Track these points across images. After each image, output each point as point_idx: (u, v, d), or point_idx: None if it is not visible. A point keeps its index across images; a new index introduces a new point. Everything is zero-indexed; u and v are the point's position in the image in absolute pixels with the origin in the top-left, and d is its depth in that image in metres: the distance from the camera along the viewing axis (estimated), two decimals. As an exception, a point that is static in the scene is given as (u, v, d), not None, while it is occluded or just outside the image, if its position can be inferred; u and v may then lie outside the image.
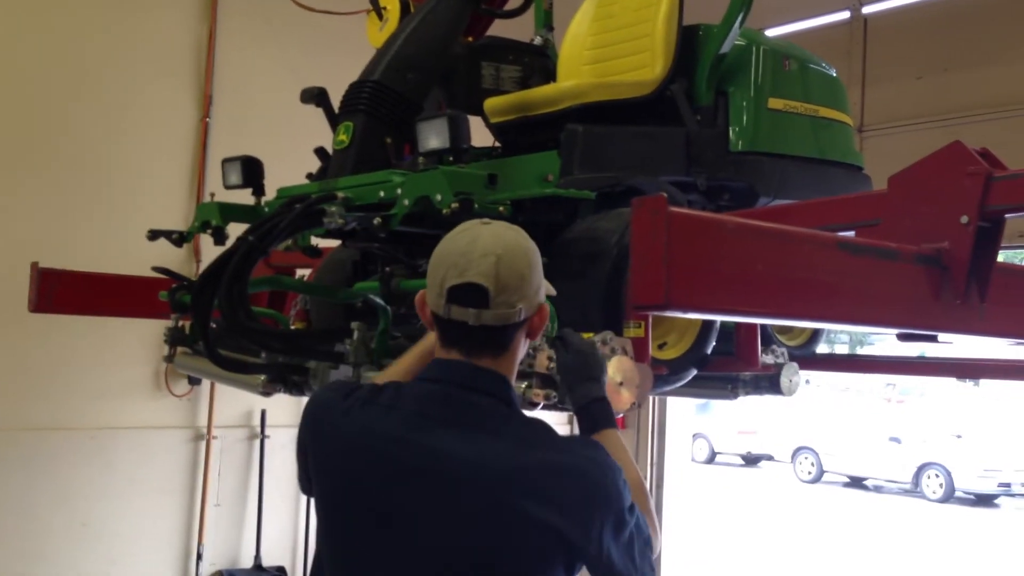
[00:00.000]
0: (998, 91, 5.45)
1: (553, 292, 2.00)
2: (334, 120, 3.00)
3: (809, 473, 18.03)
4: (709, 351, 2.81)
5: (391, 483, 1.68)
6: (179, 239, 3.19)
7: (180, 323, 3.26)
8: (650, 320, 2.33)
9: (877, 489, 17.22)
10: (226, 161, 3.17)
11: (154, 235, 3.20)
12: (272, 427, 5.83)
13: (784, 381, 3.17)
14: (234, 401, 5.68)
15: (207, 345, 2.68)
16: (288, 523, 5.98)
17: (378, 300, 2.49)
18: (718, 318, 2.64)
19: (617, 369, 2.09)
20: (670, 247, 1.61)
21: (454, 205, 2.31)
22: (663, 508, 7.14)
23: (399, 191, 2.50)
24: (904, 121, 5.68)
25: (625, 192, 2.74)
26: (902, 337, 2.15)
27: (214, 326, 2.73)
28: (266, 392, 2.89)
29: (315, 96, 3.09)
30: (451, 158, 2.54)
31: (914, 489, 16.38)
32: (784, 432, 18.64)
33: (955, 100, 5.58)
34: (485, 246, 1.70)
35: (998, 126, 5.32)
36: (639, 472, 1.90)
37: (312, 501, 1.91)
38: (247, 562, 5.79)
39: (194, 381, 5.44)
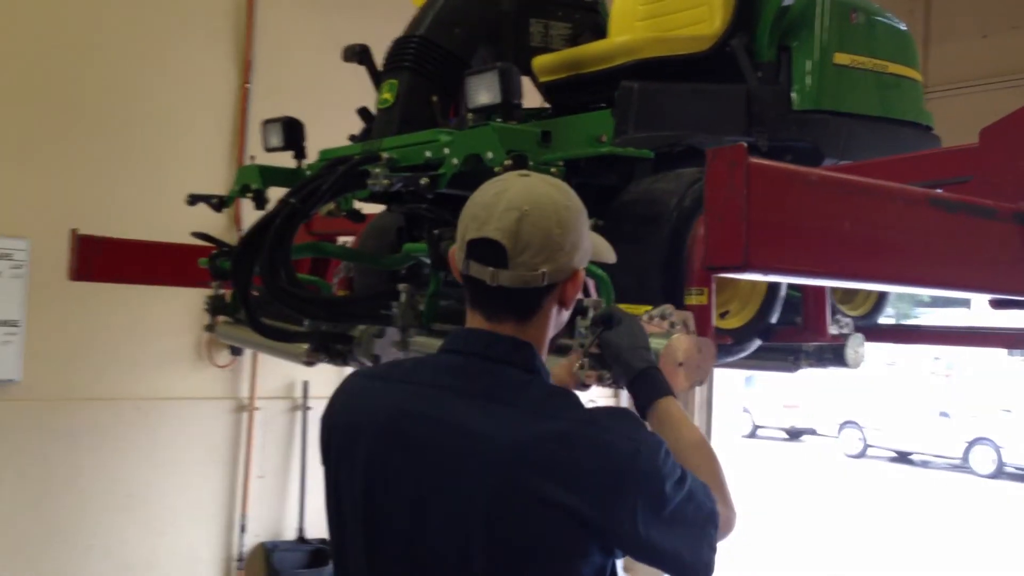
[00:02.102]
0: (1069, 50, 5.20)
1: (611, 259, 1.85)
2: (377, 78, 2.89)
3: (856, 448, 17.81)
4: (774, 320, 2.66)
5: (400, 459, 1.54)
6: (218, 204, 3.12)
7: (221, 291, 3.19)
8: (713, 286, 2.19)
9: (924, 464, 16.98)
10: (266, 123, 3.09)
11: (193, 200, 3.13)
12: (314, 399, 5.77)
13: (850, 352, 2.98)
14: (276, 372, 5.62)
15: (248, 313, 2.61)
16: (331, 495, 5.91)
17: (427, 261, 2.38)
18: (800, 281, 2.47)
19: (676, 347, 1.91)
20: (750, 202, 1.45)
21: (507, 163, 2.18)
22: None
23: (447, 150, 2.38)
24: (969, 82, 5.43)
25: (683, 153, 2.60)
26: (995, 304, 1.98)
27: (256, 294, 2.64)
28: (309, 362, 2.81)
29: (357, 54, 2.98)
30: (500, 117, 2.40)
31: (963, 464, 16.12)
32: (828, 406, 18.44)
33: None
34: (511, 199, 1.53)
35: (1069, 87, 5.08)
36: (704, 438, 1.72)
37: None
38: (290, 535, 5.76)
39: (236, 351, 5.36)
